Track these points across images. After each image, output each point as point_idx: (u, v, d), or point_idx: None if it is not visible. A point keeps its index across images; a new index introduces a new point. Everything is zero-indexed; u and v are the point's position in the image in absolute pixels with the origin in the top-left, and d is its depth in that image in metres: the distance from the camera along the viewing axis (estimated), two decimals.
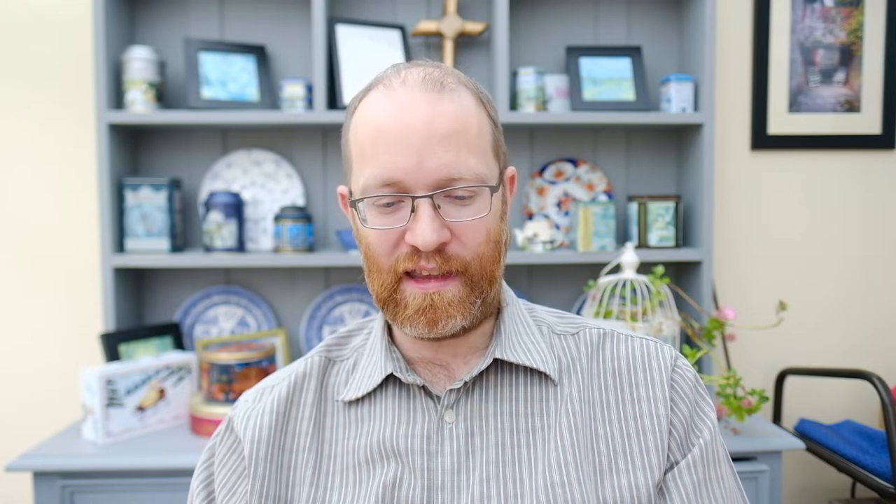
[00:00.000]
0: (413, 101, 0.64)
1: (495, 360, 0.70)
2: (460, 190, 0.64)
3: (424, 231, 0.62)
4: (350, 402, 0.72)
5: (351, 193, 0.70)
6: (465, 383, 0.69)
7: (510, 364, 0.71)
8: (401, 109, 0.64)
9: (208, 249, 1.84)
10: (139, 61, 1.80)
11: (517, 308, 0.76)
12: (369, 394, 0.72)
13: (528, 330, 0.74)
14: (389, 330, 0.75)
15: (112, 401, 1.59)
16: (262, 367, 1.68)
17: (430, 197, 0.63)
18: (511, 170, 0.75)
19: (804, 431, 1.85)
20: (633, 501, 0.65)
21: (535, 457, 0.67)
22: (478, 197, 0.66)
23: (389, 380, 0.72)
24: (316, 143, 2.00)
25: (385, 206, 0.65)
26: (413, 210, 0.64)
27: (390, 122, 0.64)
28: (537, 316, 0.77)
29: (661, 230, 1.90)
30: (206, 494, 0.74)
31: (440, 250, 0.65)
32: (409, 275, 0.66)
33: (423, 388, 0.70)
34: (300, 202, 1.98)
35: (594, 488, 0.65)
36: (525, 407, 0.69)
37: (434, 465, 0.67)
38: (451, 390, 0.69)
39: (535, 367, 0.70)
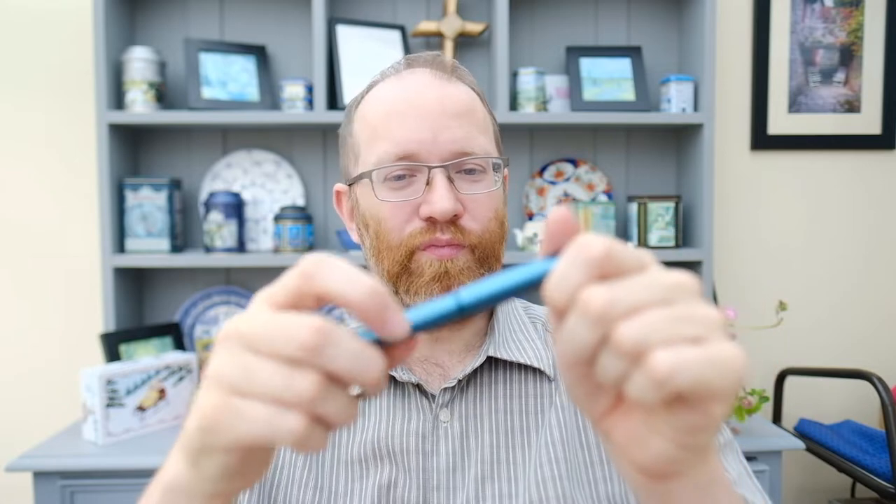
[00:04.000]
0: (423, 83, 0.67)
1: (489, 357, 0.70)
2: (472, 163, 0.66)
3: (442, 199, 0.64)
4: None
5: (354, 180, 0.70)
6: (459, 381, 0.69)
7: (504, 362, 0.71)
8: (412, 91, 0.67)
9: (208, 249, 1.84)
10: (139, 61, 1.80)
11: (512, 305, 0.76)
12: (364, 392, 0.72)
13: (522, 327, 0.74)
14: None
15: (112, 401, 1.59)
16: None
17: (445, 168, 0.65)
18: (504, 171, 0.76)
19: (804, 431, 1.85)
20: (622, 489, 0.65)
21: (529, 455, 0.67)
22: (487, 174, 0.68)
23: None
24: (316, 144, 2.00)
25: (396, 180, 0.66)
26: (428, 182, 0.65)
27: (402, 101, 0.66)
28: (533, 313, 0.77)
29: (661, 230, 1.90)
30: None
31: (454, 222, 0.65)
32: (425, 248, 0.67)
33: (418, 386, 0.69)
34: (300, 202, 1.98)
35: (586, 481, 0.65)
36: (520, 405, 0.69)
37: (430, 465, 0.67)
38: (445, 389, 0.68)
39: (528, 363, 0.70)
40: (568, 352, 0.34)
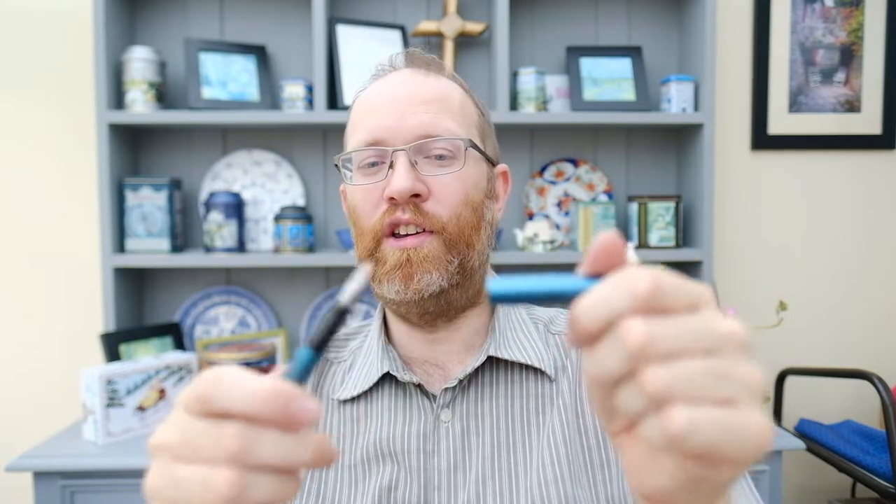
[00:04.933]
0: (400, 78, 0.70)
1: (490, 357, 0.70)
2: (439, 149, 0.67)
3: (399, 178, 0.65)
4: (345, 401, 0.72)
5: (339, 169, 0.73)
6: (461, 381, 0.69)
7: (505, 361, 0.71)
8: (388, 85, 0.70)
9: (208, 249, 1.84)
10: (139, 61, 1.80)
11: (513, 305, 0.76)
12: (365, 393, 0.72)
13: (523, 327, 0.73)
14: (386, 330, 0.75)
15: (112, 401, 1.59)
16: (263, 367, 1.68)
17: (406, 150, 0.66)
18: (502, 166, 0.76)
19: (804, 431, 1.85)
20: (621, 492, 0.65)
21: (531, 455, 0.67)
22: (456, 159, 0.68)
23: (385, 379, 0.71)
24: (316, 143, 2.00)
25: (369, 166, 0.68)
26: (391, 166, 0.66)
27: (378, 94, 0.70)
28: (534, 313, 0.77)
29: (661, 230, 1.90)
30: None
31: (417, 205, 0.66)
32: (389, 235, 0.68)
33: (419, 386, 0.69)
34: (300, 202, 1.98)
35: (587, 483, 0.65)
36: (521, 404, 0.69)
37: (431, 465, 0.67)
38: (446, 389, 0.68)
39: (529, 363, 0.69)
40: (592, 373, 0.33)
